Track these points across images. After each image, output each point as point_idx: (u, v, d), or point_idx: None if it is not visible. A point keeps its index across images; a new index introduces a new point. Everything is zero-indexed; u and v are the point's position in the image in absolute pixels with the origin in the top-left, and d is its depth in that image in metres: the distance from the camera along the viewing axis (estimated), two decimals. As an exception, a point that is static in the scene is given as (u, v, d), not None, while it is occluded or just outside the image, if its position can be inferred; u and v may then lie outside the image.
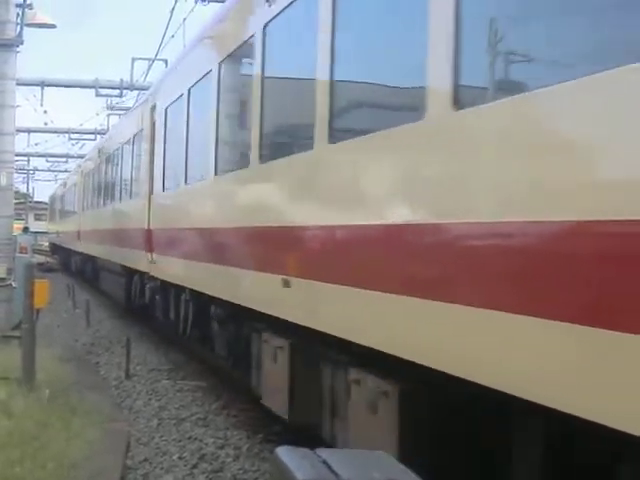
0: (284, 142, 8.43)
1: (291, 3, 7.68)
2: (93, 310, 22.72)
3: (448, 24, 4.96)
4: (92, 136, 47.31)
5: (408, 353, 5.34)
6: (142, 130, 17.21)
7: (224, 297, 9.94)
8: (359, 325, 6.14)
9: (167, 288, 14.30)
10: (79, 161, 42.87)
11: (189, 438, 10.17)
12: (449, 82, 4.93)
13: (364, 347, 5.99)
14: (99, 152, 28.08)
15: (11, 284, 17.54)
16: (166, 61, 28.36)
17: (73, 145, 53.67)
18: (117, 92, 33.87)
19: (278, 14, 8.01)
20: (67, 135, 49.83)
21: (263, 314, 8.33)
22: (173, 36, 26.11)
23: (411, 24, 5.74)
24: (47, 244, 62.86)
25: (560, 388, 4.01)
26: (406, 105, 5.75)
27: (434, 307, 5.01)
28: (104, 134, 37.01)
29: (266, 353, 8.73)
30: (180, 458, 9.35)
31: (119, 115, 36.12)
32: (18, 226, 34.78)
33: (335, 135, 6.71)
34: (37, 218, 76.41)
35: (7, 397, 10.13)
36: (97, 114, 42.99)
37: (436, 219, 5.11)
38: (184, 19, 24.53)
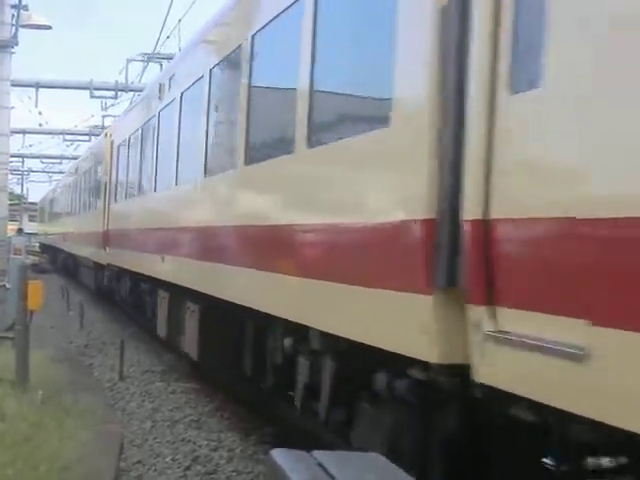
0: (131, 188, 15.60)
1: (170, 103, 13.54)
2: (87, 312, 22.70)
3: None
4: (87, 137, 47.25)
5: (203, 288, 10.40)
6: (103, 159, 23.57)
7: (137, 270, 16.17)
8: (186, 276, 11.59)
9: (120, 274, 19.93)
10: (68, 167, 44.90)
11: (182, 440, 10.16)
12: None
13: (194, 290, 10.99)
14: (76, 169, 35.14)
15: (5, 285, 17.50)
16: (161, 62, 28.17)
17: (68, 146, 53.69)
18: (112, 93, 33.79)
19: (166, 105, 13.93)
20: (62, 136, 49.78)
21: (162, 280, 13.48)
22: (168, 37, 26.11)
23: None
24: (38, 244, 63.27)
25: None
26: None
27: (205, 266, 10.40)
28: (98, 135, 37.10)
29: (159, 302, 14.29)
30: (173, 460, 9.34)
31: (113, 117, 36.08)
32: (12, 227, 34.74)
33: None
34: (31, 219, 76.25)
35: (0, 398, 10.09)
36: (92, 115, 42.92)
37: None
38: (179, 20, 24.55)
